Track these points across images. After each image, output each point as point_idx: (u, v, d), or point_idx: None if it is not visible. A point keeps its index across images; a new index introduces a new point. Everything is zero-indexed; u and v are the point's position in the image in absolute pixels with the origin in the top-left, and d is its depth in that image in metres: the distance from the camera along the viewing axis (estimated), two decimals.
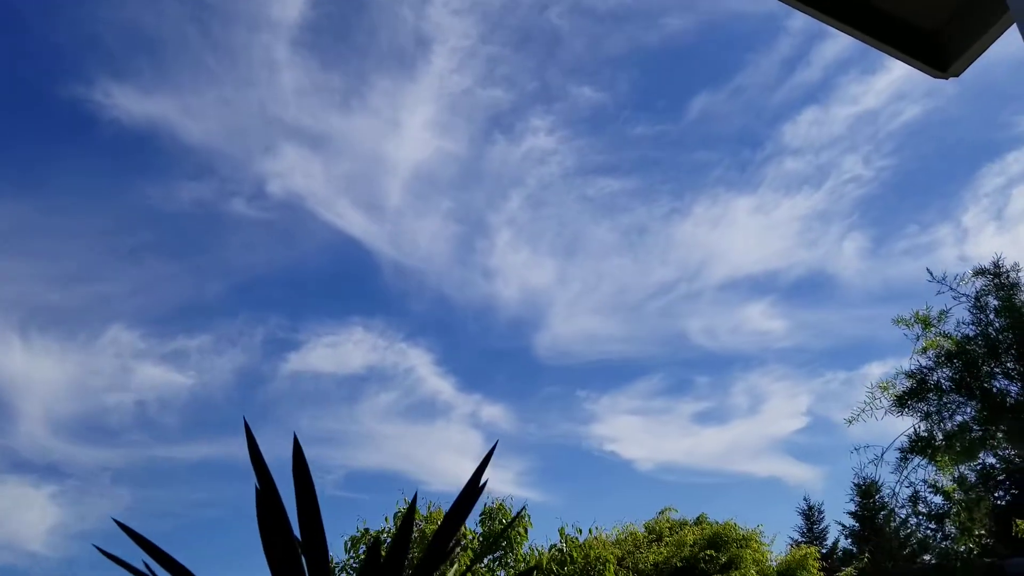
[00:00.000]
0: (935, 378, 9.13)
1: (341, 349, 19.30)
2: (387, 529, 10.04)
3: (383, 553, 2.03)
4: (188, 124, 16.19)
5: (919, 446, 9.04)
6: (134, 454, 18.11)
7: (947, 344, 9.20)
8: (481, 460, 2.97)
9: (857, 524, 20.30)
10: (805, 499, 25.46)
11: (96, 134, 15.70)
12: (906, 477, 9.19)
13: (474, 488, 2.29)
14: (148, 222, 17.52)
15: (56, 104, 15.39)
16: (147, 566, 1.82)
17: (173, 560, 1.85)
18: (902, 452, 9.14)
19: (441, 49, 17.13)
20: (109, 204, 17.32)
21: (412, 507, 2.44)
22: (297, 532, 1.92)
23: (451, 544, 2.44)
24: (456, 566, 8.96)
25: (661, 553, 13.53)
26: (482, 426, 20.35)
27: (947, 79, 2.38)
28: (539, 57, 18.68)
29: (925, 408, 9.10)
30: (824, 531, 24.51)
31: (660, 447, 21.74)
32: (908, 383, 9.15)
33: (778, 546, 20.86)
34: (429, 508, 10.51)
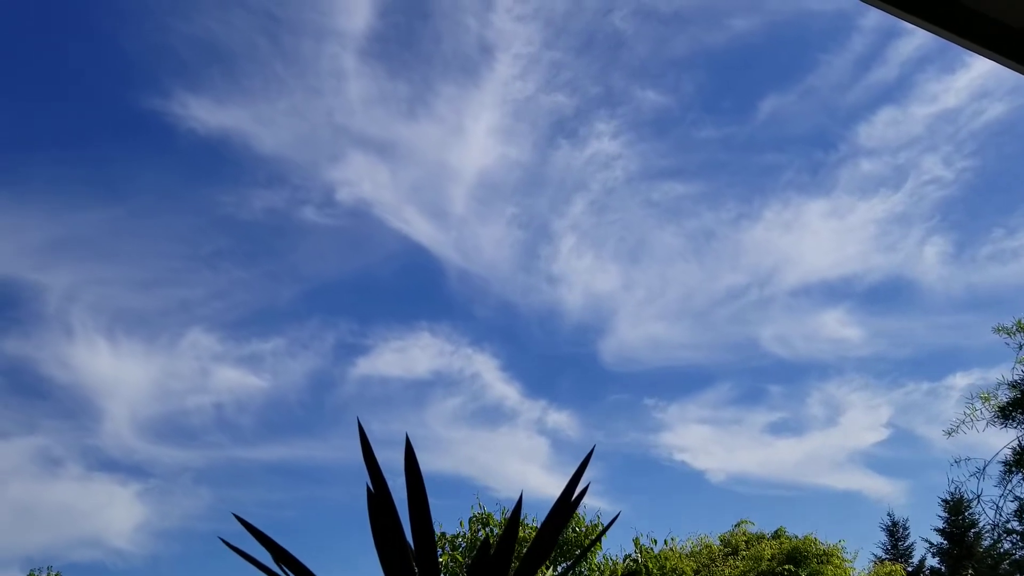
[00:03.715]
0: None
1: (408, 354, 19.44)
2: (462, 534, 10.02)
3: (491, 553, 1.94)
4: (260, 133, 16.54)
5: None
6: (213, 455, 18.54)
7: None
8: (579, 465, 2.84)
9: (945, 542, 19.48)
10: (889, 514, 24.56)
11: (175, 144, 16.17)
12: (1011, 491, 8.74)
13: (571, 494, 2.18)
14: (224, 229, 17.94)
15: (138, 116, 15.89)
16: (277, 563, 1.76)
17: (292, 557, 1.79)
18: (1006, 465, 8.69)
19: (504, 56, 17.14)
20: (188, 211, 17.82)
21: (517, 511, 2.33)
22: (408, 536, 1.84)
23: (550, 551, 2.34)
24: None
25: (737, 567, 13.18)
26: (548, 432, 20.22)
27: None
28: (602, 61, 18.54)
29: None
30: (910, 548, 23.62)
31: (733, 458, 21.24)
32: (1012, 394, 8.69)
33: (861, 562, 20.13)
34: (503, 513, 10.43)
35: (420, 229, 18.60)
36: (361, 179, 17.83)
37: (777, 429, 22.73)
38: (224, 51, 15.52)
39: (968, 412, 8.83)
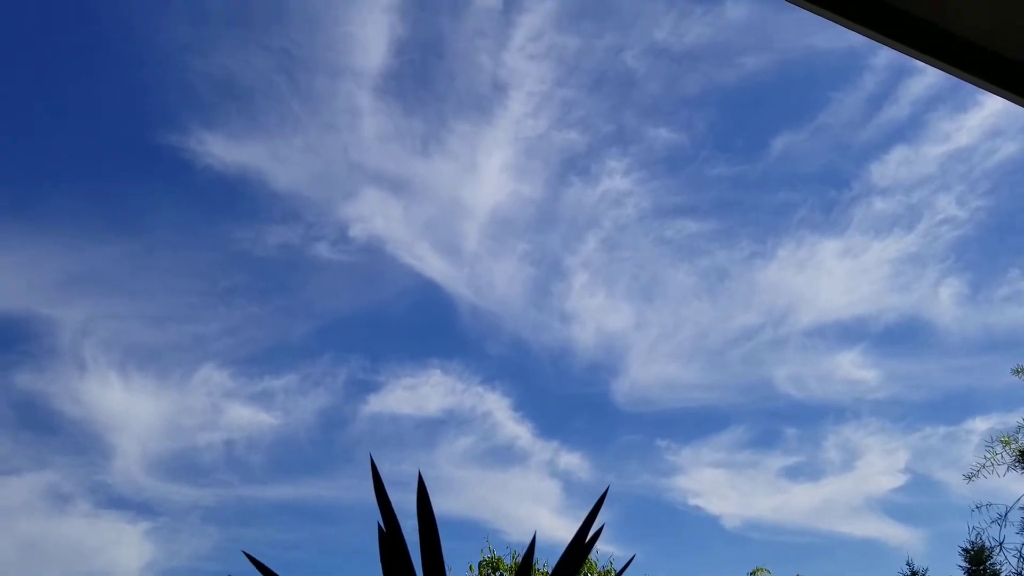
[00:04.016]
0: None
1: (419, 391, 19.30)
2: None
3: None
4: (275, 169, 16.63)
5: None
6: (223, 493, 18.34)
7: None
8: (593, 506, 2.78)
9: None
10: (908, 564, 23.94)
11: (191, 180, 16.26)
12: None
13: (584, 536, 2.13)
14: (239, 265, 17.97)
15: (155, 151, 16.03)
16: None
17: None
18: None
19: (517, 94, 17.26)
20: (203, 247, 17.87)
21: (529, 556, 2.28)
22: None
23: None
24: None
25: None
26: (560, 474, 19.94)
27: None
28: (614, 99, 18.63)
29: None
30: None
31: (747, 503, 20.88)
32: None
33: None
34: (514, 557, 10.27)
35: (433, 265, 18.59)
36: (375, 215, 17.90)
37: (793, 473, 22.37)
38: (241, 88, 15.71)
39: (988, 456, 8.68)
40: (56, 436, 18.14)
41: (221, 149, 15.85)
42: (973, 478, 8.83)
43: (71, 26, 13.71)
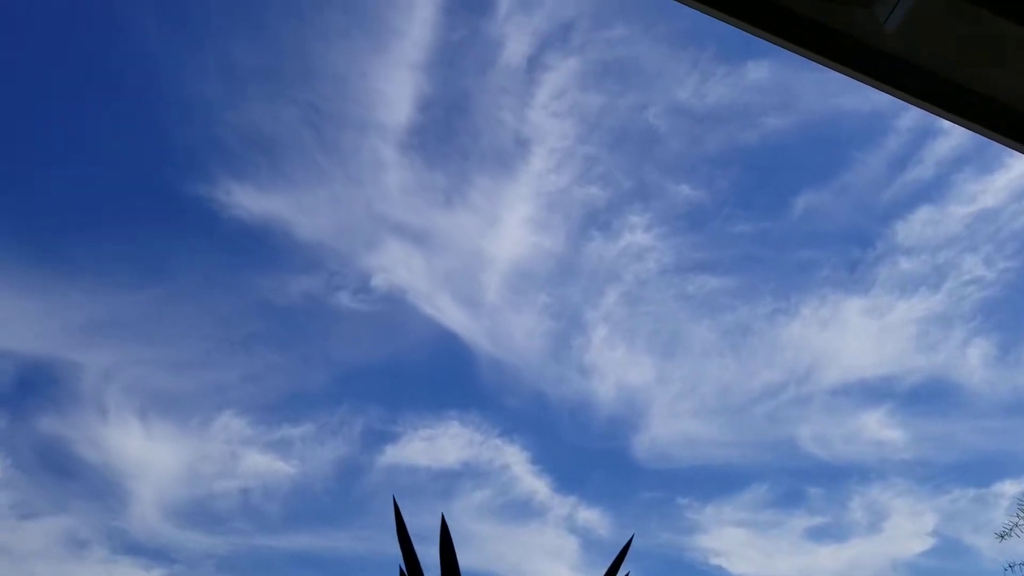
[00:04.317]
0: None
1: (437, 443, 19.20)
2: None
3: None
4: (300, 220, 16.88)
5: None
6: (238, 542, 18.21)
7: None
8: (616, 557, 2.75)
9: None
10: None
11: (217, 228, 16.52)
12: None
13: None
14: (260, 313, 18.13)
15: (183, 200, 16.32)
16: None
17: None
18: None
19: (540, 149, 17.48)
20: (226, 295, 18.06)
21: None
22: None
23: None
24: None
25: None
26: (578, 531, 19.64)
27: None
28: (636, 156, 18.80)
29: None
30: None
31: (771, 564, 20.43)
32: None
33: None
34: None
35: (452, 316, 18.65)
36: (396, 266, 18.06)
37: (818, 534, 21.91)
38: (270, 141, 16.06)
39: (1020, 517, 8.46)
40: (75, 481, 18.19)
41: (248, 199, 16.17)
42: (1006, 537, 8.59)
43: (98, 76, 14.14)
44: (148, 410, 17.65)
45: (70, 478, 17.71)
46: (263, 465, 18.56)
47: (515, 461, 19.55)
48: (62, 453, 17.30)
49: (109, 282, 16.64)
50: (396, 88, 16.20)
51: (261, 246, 17.73)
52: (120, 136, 15.77)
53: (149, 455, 17.67)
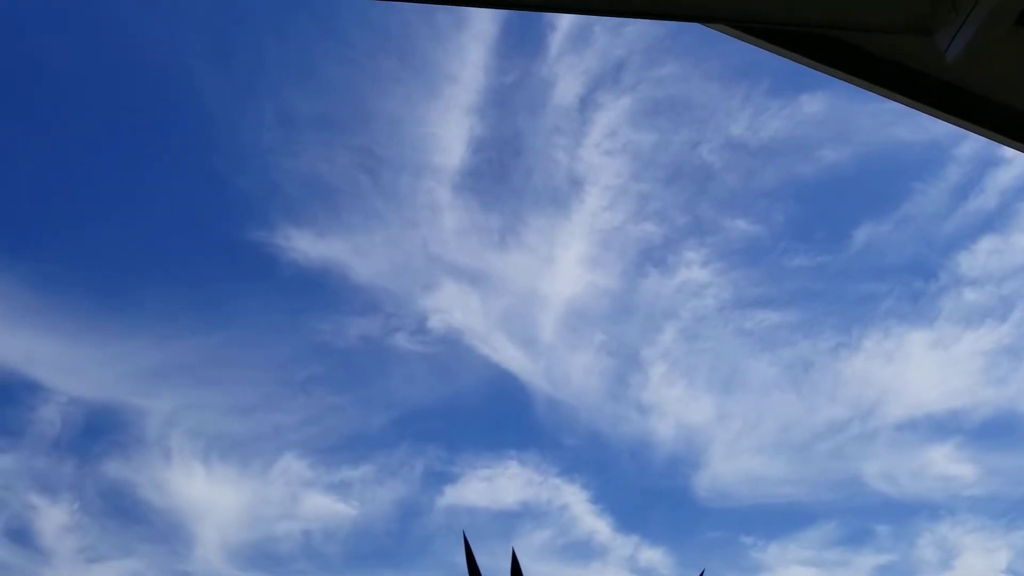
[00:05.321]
0: None
1: (496, 483, 19.12)
2: None
3: None
4: (357, 264, 17.18)
5: None
6: None
7: None
8: None
9: None
10: None
11: (276, 273, 16.91)
12: None
13: None
14: (319, 356, 18.41)
15: (243, 246, 16.75)
16: None
17: None
18: None
19: (593, 188, 17.53)
20: (285, 339, 18.40)
21: None
22: None
23: None
24: None
25: None
26: (640, 571, 19.28)
27: None
28: (690, 192, 18.72)
29: None
30: None
31: None
32: None
33: None
34: None
35: (509, 356, 18.69)
36: (453, 307, 18.21)
37: (886, 573, 21.18)
38: (327, 187, 16.44)
39: None
40: (141, 524, 18.52)
41: (306, 244, 16.53)
42: None
43: (158, 127, 14.70)
44: (211, 453, 17.94)
45: (136, 521, 18.02)
46: (323, 507, 18.67)
47: (575, 501, 19.31)
48: (128, 497, 17.64)
49: (173, 328, 17.09)
50: (450, 131, 16.46)
51: (320, 289, 18.05)
52: (182, 186, 16.29)
53: (212, 498, 17.92)
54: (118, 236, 16.90)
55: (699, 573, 2.02)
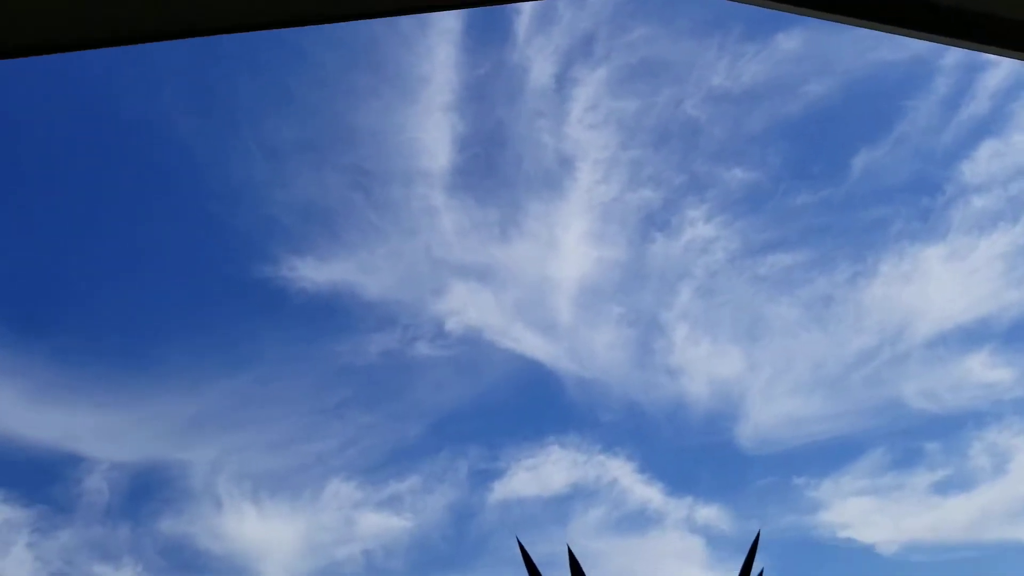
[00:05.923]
0: None
1: (542, 471, 19.19)
2: None
3: None
4: (365, 281, 17.20)
5: None
6: None
7: None
8: (748, 552, 2.74)
9: None
10: None
11: (288, 305, 16.96)
12: None
13: None
14: (344, 378, 18.48)
15: (251, 285, 16.82)
16: None
17: None
18: None
19: (584, 164, 17.46)
20: (308, 368, 18.50)
21: None
22: None
23: None
24: None
25: None
26: (700, 530, 19.31)
27: None
28: (682, 150, 18.63)
29: None
30: None
31: (901, 526, 19.74)
32: None
33: None
34: None
35: (532, 345, 18.71)
36: (467, 307, 18.23)
37: (943, 488, 21.12)
38: (322, 211, 16.44)
39: None
40: (205, 574, 18.71)
41: (311, 271, 16.55)
42: None
43: (145, 179, 14.84)
44: (259, 492, 18.06)
45: (199, 572, 18.17)
46: (378, 524, 18.76)
47: (622, 474, 19.33)
48: (188, 550, 17.78)
49: (199, 377, 17.20)
50: (432, 134, 16.44)
51: (333, 313, 18.09)
52: (182, 236, 16.36)
53: (269, 536, 18.05)
54: (130, 297, 16.96)
55: (756, 535, 2.03)
